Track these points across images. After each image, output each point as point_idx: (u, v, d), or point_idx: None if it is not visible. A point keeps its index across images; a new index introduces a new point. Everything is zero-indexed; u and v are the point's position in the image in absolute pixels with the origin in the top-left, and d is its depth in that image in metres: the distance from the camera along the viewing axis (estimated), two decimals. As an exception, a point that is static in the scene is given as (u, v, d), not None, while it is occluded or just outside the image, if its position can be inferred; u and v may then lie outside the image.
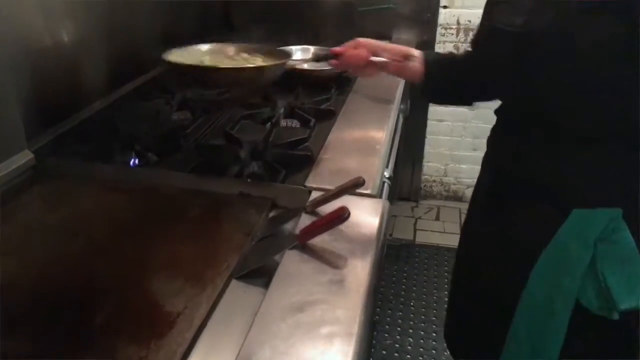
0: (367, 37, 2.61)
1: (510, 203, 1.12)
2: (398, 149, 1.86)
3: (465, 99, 1.32)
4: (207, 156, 1.31)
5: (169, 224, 1.08)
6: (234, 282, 0.92)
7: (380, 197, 1.18)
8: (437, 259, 2.63)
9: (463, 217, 3.01)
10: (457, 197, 3.11)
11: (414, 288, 2.44)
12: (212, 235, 1.04)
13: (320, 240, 0.97)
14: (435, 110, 2.90)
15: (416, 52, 1.29)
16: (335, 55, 1.32)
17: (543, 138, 1.01)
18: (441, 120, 2.94)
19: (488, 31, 1.05)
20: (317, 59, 1.37)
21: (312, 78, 1.86)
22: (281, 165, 1.25)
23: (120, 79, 1.69)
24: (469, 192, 3.29)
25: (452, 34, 2.69)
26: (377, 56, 1.29)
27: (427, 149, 2.99)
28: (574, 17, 0.88)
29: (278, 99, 1.69)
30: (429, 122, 2.90)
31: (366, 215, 1.06)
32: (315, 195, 1.14)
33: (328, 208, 1.07)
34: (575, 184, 0.96)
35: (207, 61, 1.41)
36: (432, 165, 3.05)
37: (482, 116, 2.83)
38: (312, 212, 1.08)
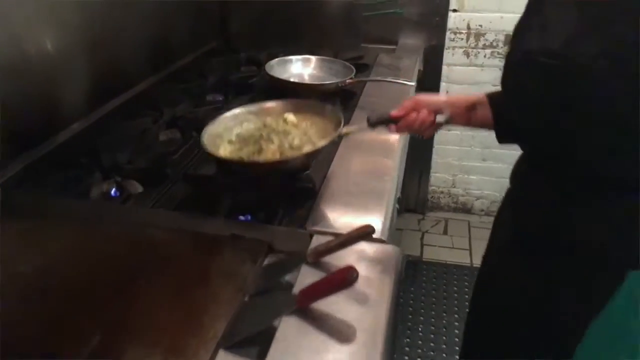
0: (373, 41, 2.50)
1: (538, 258, 0.98)
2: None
3: None
4: (195, 188, 1.16)
5: (150, 277, 0.94)
6: (221, 354, 0.78)
7: (389, 238, 1.03)
8: (446, 277, 2.49)
9: (472, 230, 2.87)
10: (465, 209, 2.96)
11: (422, 311, 2.29)
12: (199, 291, 0.90)
13: (323, 302, 0.82)
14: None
15: (480, 96, 1.08)
16: (394, 119, 1.10)
17: (577, 184, 0.87)
18: (450, 129, 2.78)
19: (519, 63, 0.89)
20: (372, 124, 1.11)
21: (312, 92, 1.71)
22: (278, 199, 1.10)
23: (103, 95, 1.54)
24: (478, 204, 3.16)
25: (462, 39, 2.53)
26: (438, 112, 1.08)
27: (435, 158, 2.84)
28: (628, 44, 0.73)
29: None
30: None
31: (376, 268, 0.92)
32: (317, 240, 0.99)
33: (332, 259, 0.93)
34: (623, 242, 0.81)
35: (250, 129, 1.23)
36: (440, 175, 2.90)
37: (493, 125, 2.68)
38: (315, 263, 0.93)
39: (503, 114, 1.04)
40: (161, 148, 1.37)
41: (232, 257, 1.00)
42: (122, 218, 1.09)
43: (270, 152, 1.11)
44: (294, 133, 1.18)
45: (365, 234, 0.88)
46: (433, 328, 2.20)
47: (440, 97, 1.11)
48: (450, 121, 1.08)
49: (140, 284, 0.92)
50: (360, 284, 0.83)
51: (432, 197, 2.98)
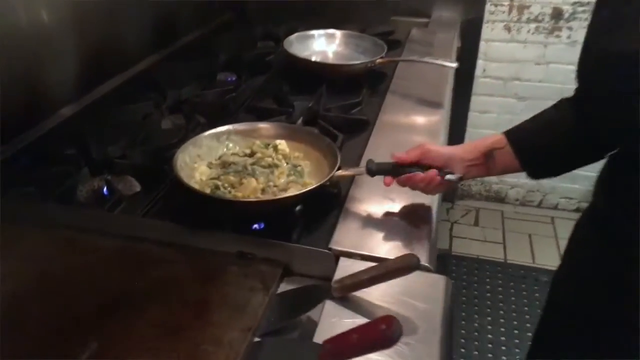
0: (404, 14, 2.25)
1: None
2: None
3: (590, 156, 0.89)
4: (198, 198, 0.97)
5: (136, 308, 0.76)
6: None
7: (435, 266, 0.83)
8: (478, 274, 2.29)
9: (506, 222, 2.64)
10: (498, 198, 2.74)
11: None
12: (195, 328, 0.72)
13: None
14: (479, 100, 2.51)
15: (496, 139, 0.89)
16: (397, 168, 0.91)
17: None
18: (485, 112, 2.55)
19: (600, 60, 0.73)
20: (372, 172, 0.92)
21: (338, 73, 1.50)
22: (296, 215, 0.91)
23: (97, 75, 1.35)
24: (512, 193, 2.92)
25: (504, 12, 2.28)
26: (448, 170, 0.89)
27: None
28: None
29: (294, 101, 1.34)
30: (470, 114, 2.51)
31: (421, 308, 0.72)
32: (344, 265, 0.80)
33: (364, 292, 0.74)
34: None
35: (235, 153, 1.05)
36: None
37: (534, 108, 2.43)
38: (342, 298, 0.74)
39: (530, 153, 0.87)
40: (163, 139, 1.18)
41: (239, 281, 0.81)
42: (110, 230, 0.91)
43: (250, 189, 0.92)
44: (282, 168, 0.99)
45: (407, 267, 0.68)
46: (464, 332, 2.02)
47: (451, 151, 0.90)
48: (463, 179, 0.90)
49: (122, 316, 0.74)
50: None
51: (462, 184, 2.76)
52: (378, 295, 0.74)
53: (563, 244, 2.45)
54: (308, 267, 0.83)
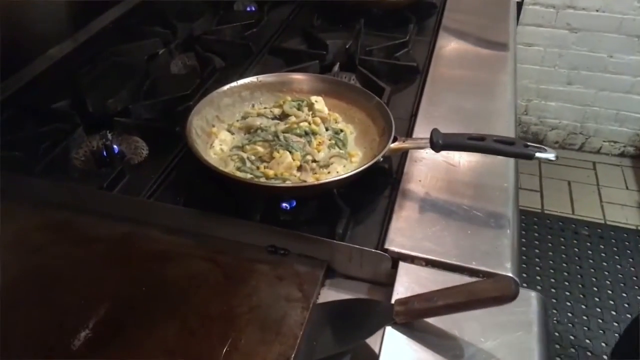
0: None
1: None
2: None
3: None
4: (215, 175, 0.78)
5: (139, 331, 0.60)
6: None
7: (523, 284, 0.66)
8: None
9: (543, 168, 2.45)
10: (536, 141, 2.52)
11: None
12: (213, 353, 0.56)
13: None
14: (525, 31, 2.23)
15: None
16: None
17: None
18: (530, 45, 2.28)
19: None
20: (436, 147, 0.72)
21: (378, 4, 1.25)
22: (339, 199, 0.73)
23: (92, 7, 1.12)
24: (552, 135, 2.67)
25: None
26: None
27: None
28: None
29: (328, 40, 1.11)
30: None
31: (511, 339, 0.56)
32: (406, 272, 0.63)
33: (438, 321, 0.57)
34: None
35: (262, 114, 0.84)
36: (511, 100, 2.44)
37: (586, 41, 2.16)
38: (406, 324, 0.57)
39: None
40: (173, 88, 0.98)
41: (272, 287, 0.65)
42: (109, 209, 0.74)
43: (284, 166, 0.73)
44: (321, 136, 0.79)
45: (502, 298, 0.51)
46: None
47: None
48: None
49: (122, 337, 0.59)
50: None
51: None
52: (451, 318, 0.57)
53: (605, 192, 2.29)
54: (356, 269, 0.67)
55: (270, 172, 0.73)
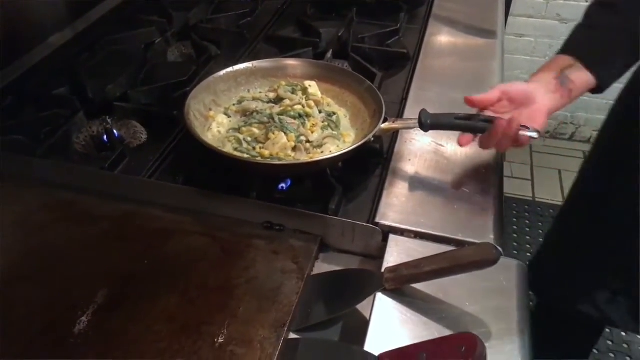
0: None
1: None
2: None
3: None
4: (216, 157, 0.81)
5: (144, 301, 0.63)
6: None
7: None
8: (505, 214, 2.16)
9: (534, 157, 2.48)
10: (528, 130, 2.55)
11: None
12: (214, 320, 0.60)
13: None
14: (516, 22, 2.27)
15: (560, 60, 0.80)
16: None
17: None
18: (521, 36, 2.31)
19: None
20: (427, 126, 0.74)
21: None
22: (332, 177, 0.76)
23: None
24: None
25: None
26: (531, 103, 0.75)
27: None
28: None
29: (321, 29, 1.14)
30: (505, 38, 2.28)
31: (493, 305, 0.59)
32: (396, 245, 0.66)
33: (424, 285, 0.60)
34: None
35: (257, 98, 0.87)
36: (502, 90, 2.47)
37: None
38: (395, 290, 0.61)
39: (604, 64, 0.80)
40: (170, 75, 1.00)
41: (268, 260, 0.68)
42: (110, 189, 0.77)
43: (279, 146, 0.76)
44: (314, 118, 0.82)
45: (483, 262, 0.54)
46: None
47: (530, 86, 0.77)
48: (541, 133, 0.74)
49: (128, 306, 0.62)
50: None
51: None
52: (437, 285, 0.61)
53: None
54: (349, 243, 0.70)
55: (266, 152, 0.76)
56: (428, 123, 0.74)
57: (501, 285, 0.61)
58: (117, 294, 0.63)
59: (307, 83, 0.87)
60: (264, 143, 0.79)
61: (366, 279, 0.63)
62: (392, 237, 0.67)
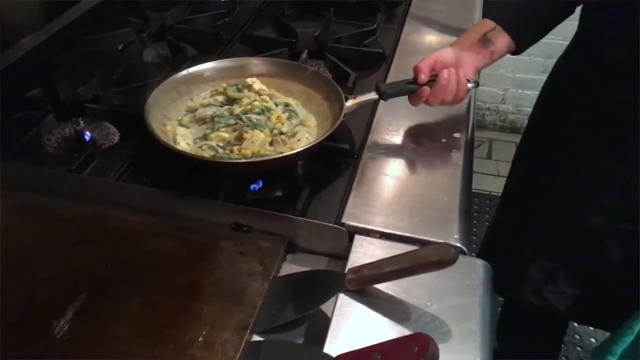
0: None
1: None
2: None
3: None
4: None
5: (108, 303, 0.63)
6: None
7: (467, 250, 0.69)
8: (490, 213, 2.17)
9: (521, 154, 2.50)
10: (514, 129, 2.57)
11: (462, 252, 2.01)
12: (177, 321, 0.60)
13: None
14: (500, 22, 2.26)
15: (483, 23, 0.89)
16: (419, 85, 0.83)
17: None
18: (506, 35, 2.31)
19: None
20: (386, 95, 0.83)
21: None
22: (301, 178, 0.76)
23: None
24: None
25: None
26: (461, 66, 0.84)
27: (484, 70, 2.39)
28: None
29: (298, 28, 1.14)
30: (490, 37, 2.28)
31: (455, 303, 0.59)
32: (360, 244, 0.67)
33: (386, 286, 0.60)
34: None
35: (207, 103, 0.87)
36: (488, 89, 2.48)
37: (560, 31, 2.20)
38: (357, 291, 0.61)
39: (521, 30, 0.88)
40: (144, 75, 1.00)
41: (235, 262, 0.68)
42: (79, 192, 0.76)
43: (259, 143, 0.76)
44: (276, 110, 0.84)
45: (442, 262, 0.55)
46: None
47: (456, 51, 0.86)
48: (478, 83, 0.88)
49: (92, 308, 0.62)
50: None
51: (477, 113, 2.57)
52: (400, 285, 0.61)
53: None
54: (316, 243, 0.70)
55: (248, 152, 0.76)
56: (388, 92, 0.82)
57: (463, 284, 0.61)
58: (80, 298, 0.63)
59: (249, 80, 0.88)
60: (239, 145, 0.78)
61: (330, 280, 0.63)
62: (357, 237, 0.68)
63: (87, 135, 0.88)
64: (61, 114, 0.90)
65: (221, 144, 0.79)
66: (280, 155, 0.74)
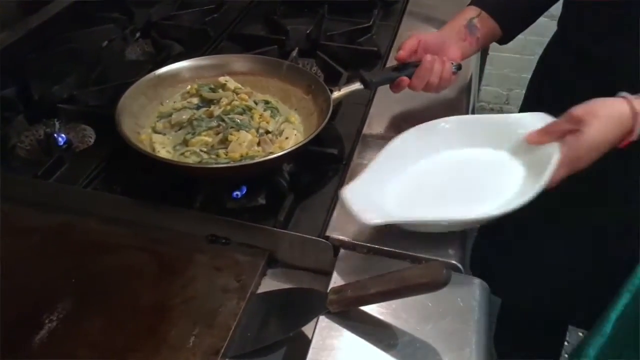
0: None
1: None
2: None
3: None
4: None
5: (68, 324, 0.57)
6: None
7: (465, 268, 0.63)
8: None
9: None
10: (518, 130, 2.50)
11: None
12: (144, 345, 0.54)
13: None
14: (504, 20, 2.20)
15: (469, 10, 0.87)
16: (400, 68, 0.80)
17: None
18: (511, 33, 2.25)
19: None
20: (372, 84, 0.80)
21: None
22: (285, 185, 0.70)
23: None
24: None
25: None
26: (445, 51, 0.81)
27: (489, 69, 2.33)
28: None
29: (290, 26, 1.08)
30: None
31: (448, 327, 0.53)
32: (347, 260, 0.61)
33: (374, 309, 0.55)
34: None
35: (180, 107, 0.81)
36: (492, 89, 2.41)
37: (567, 29, 2.14)
38: (340, 313, 0.55)
39: (507, 14, 0.87)
40: (124, 74, 0.94)
41: (209, 278, 0.63)
42: (45, 200, 0.71)
43: (247, 144, 0.71)
44: (257, 109, 0.79)
45: (432, 284, 0.49)
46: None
47: (441, 35, 0.85)
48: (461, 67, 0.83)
49: (49, 329, 0.56)
50: None
51: (479, 114, 2.52)
52: (388, 307, 0.55)
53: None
54: (298, 257, 0.65)
55: (236, 155, 0.71)
56: (373, 81, 0.79)
57: (457, 306, 0.55)
58: (36, 317, 0.58)
59: (221, 79, 0.82)
60: (223, 148, 0.73)
61: (311, 300, 0.57)
62: (342, 252, 0.62)
63: (62, 137, 0.83)
64: (34, 115, 0.85)
65: (204, 149, 0.74)
66: (280, 153, 0.69)
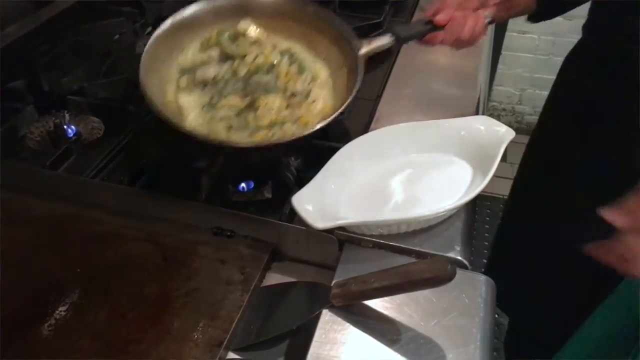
0: None
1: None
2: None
3: None
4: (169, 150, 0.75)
5: (71, 314, 0.57)
6: None
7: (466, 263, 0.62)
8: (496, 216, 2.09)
9: (537, 157, 2.41)
10: (531, 131, 2.46)
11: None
12: (147, 351, 0.54)
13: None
14: (518, 19, 2.17)
15: None
16: (436, 26, 0.76)
17: None
18: (524, 33, 2.22)
19: None
20: (403, 38, 0.76)
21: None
22: (291, 179, 0.70)
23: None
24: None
25: None
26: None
27: (502, 68, 2.30)
28: None
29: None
30: (507, 35, 2.19)
31: (452, 324, 0.53)
32: (350, 253, 0.60)
33: (378, 304, 0.54)
34: None
35: (200, 60, 0.75)
36: (504, 89, 2.39)
37: (581, 29, 2.11)
38: (343, 307, 0.54)
39: None
40: (135, 67, 0.94)
41: (213, 270, 0.63)
42: (50, 189, 0.71)
43: (276, 110, 0.68)
44: (282, 65, 0.73)
45: (436, 279, 0.48)
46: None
47: None
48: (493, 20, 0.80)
49: (54, 319, 0.56)
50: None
51: (491, 114, 2.49)
52: (392, 301, 0.54)
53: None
54: (303, 251, 0.64)
55: (266, 122, 0.68)
56: (403, 36, 0.75)
57: (463, 302, 0.54)
58: (41, 307, 0.58)
59: (241, 25, 0.75)
60: (251, 112, 0.69)
61: (314, 294, 0.56)
62: (347, 246, 0.61)
63: (72, 129, 0.83)
64: (44, 106, 0.86)
65: (232, 113, 0.70)
66: (316, 127, 0.66)
